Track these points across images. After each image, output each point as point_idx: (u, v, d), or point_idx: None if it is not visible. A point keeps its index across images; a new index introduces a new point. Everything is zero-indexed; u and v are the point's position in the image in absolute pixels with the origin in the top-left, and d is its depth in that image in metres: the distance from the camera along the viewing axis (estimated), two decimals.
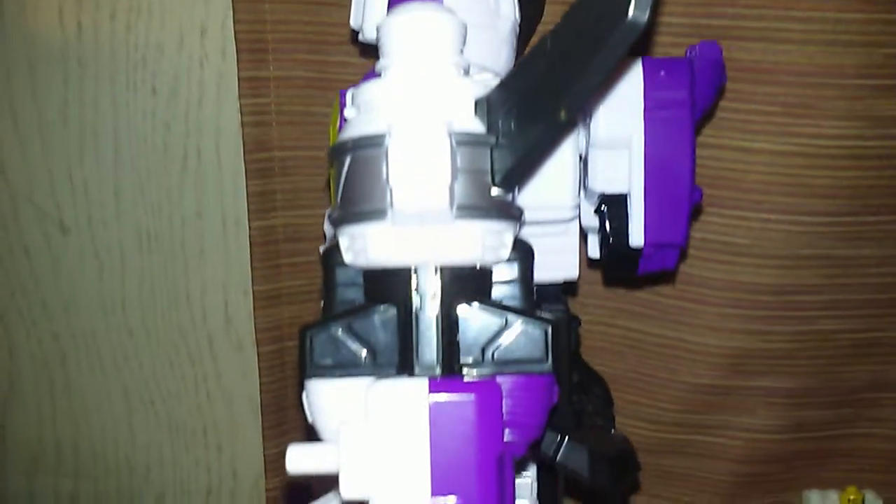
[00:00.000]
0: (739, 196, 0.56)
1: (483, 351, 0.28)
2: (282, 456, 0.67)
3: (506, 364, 0.28)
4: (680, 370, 0.62)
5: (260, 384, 0.66)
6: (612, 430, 0.40)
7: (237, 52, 0.57)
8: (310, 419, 0.30)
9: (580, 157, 0.38)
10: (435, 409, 0.26)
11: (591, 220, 0.39)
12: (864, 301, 0.59)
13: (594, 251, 0.41)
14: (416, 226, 0.27)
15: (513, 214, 0.29)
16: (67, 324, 0.69)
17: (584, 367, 0.42)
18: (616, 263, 0.39)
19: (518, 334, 0.28)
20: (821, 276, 0.58)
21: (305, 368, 0.28)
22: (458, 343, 0.28)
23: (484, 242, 0.28)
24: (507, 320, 0.28)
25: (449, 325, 0.28)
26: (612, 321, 0.62)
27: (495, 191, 0.28)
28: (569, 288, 0.40)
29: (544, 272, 0.33)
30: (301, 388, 0.30)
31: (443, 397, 0.27)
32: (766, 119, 0.55)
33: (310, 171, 0.61)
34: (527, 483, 0.45)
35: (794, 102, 0.54)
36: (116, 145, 0.65)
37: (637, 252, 0.38)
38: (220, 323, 0.69)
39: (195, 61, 0.63)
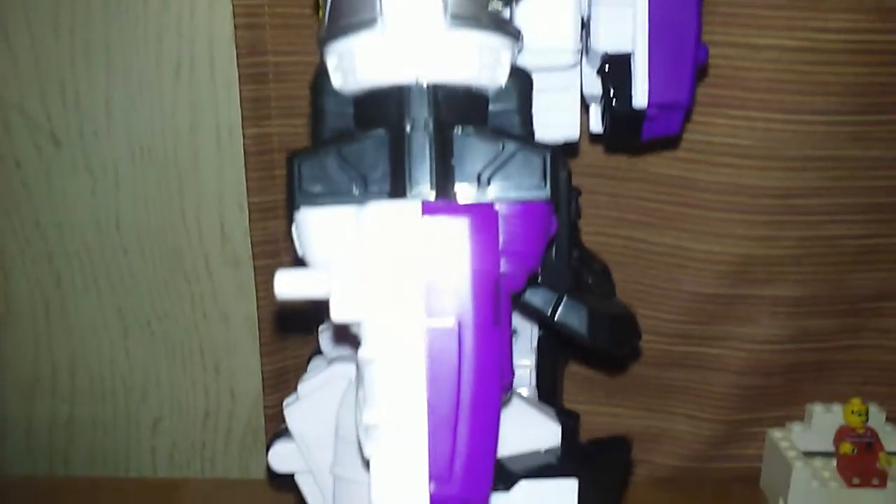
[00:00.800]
0: (745, 96, 0.55)
1: (479, 177, 0.27)
2: (280, 373, 0.67)
3: (502, 190, 0.27)
4: (683, 280, 0.61)
5: (257, 299, 0.65)
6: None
7: None
8: (299, 252, 0.29)
9: (582, 20, 0.37)
10: (429, 231, 0.25)
11: (594, 88, 0.38)
12: (871, 205, 0.58)
13: (596, 124, 0.40)
14: (408, 36, 0.26)
15: (511, 32, 0.28)
16: (61, 243, 0.68)
17: (584, 246, 0.41)
18: (619, 128, 0.37)
19: (515, 160, 0.27)
20: (827, 179, 0.57)
21: (294, 197, 0.27)
22: (452, 168, 0.27)
23: (480, 59, 0.27)
24: (503, 146, 0.27)
25: (443, 147, 0.26)
26: (613, 231, 0.61)
27: (494, 4, 0.27)
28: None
29: (544, 131, 0.32)
30: (290, 220, 0.28)
31: (437, 218, 0.25)
32: (774, 14, 0.53)
33: (305, 78, 0.60)
34: (525, 372, 0.44)
35: None
36: (108, 56, 0.64)
37: (641, 114, 0.36)
38: (216, 239, 0.68)
39: None
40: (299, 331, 0.65)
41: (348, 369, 0.37)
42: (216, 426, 0.73)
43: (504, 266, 0.27)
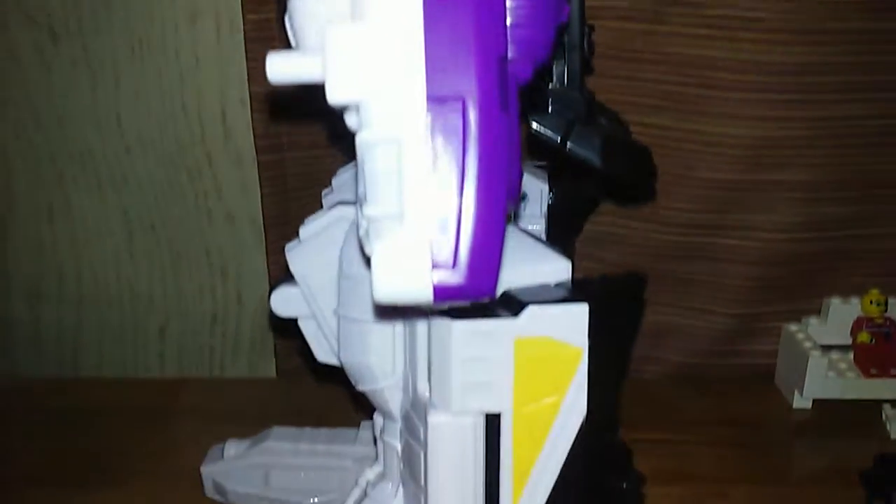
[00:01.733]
0: None
1: None
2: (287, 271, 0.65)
3: None
4: (698, 166, 0.59)
5: (261, 197, 0.64)
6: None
7: None
8: (293, 42, 0.28)
9: None
10: (430, 1, 0.24)
11: None
12: (889, 83, 0.56)
13: None
14: None
15: None
16: (63, 142, 0.67)
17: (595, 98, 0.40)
18: None
19: None
20: (846, 53, 0.55)
21: None
22: None
23: None
24: None
25: None
26: (628, 118, 0.59)
27: None
28: None
29: None
30: (282, 9, 0.27)
31: None
32: None
33: None
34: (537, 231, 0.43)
35: None
36: None
37: None
38: (219, 135, 0.66)
39: None
40: None
41: (349, 211, 0.36)
42: (224, 331, 0.73)
43: (511, 52, 0.26)
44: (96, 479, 0.54)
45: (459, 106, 0.24)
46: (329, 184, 0.47)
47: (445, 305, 0.28)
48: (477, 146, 0.24)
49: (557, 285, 0.33)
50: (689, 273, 0.63)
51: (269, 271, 0.66)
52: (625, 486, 0.33)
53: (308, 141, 0.62)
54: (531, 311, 0.31)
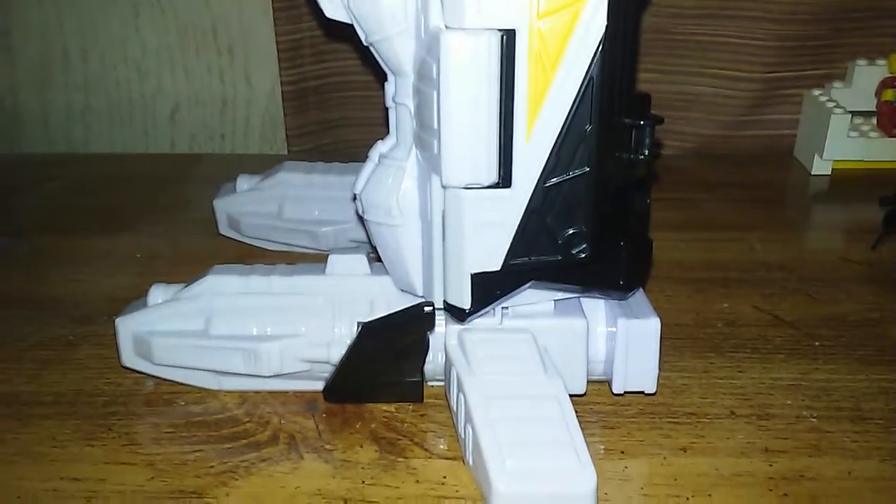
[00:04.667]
0: None
1: None
2: (295, 45, 0.63)
3: None
4: None
5: None
6: None
7: None
8: None
9: None
10: None
11: None
12: None
13: None
14: None
15: None
16: None
17: None
18: None
19: None
20: None
21: None
22: None
23: None
24: None
25: None
26: None
27: None
28: None
29: None
30: None
31: None
32: None
33: None
34: None
35: None
36: None
37: None
38: None
39: None
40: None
41: None
42: (234, 117, 0.72)
43: None
44: (113, 227, 0.54)
45: None
46: None
47: None
48: None
49: None
50: (712, 34, 0.61)
51: (277, 45, 0.65)
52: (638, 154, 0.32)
53: None
54: None
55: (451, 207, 0.31)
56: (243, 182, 0.50)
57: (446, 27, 0.29)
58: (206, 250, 0.50)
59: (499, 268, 0.32)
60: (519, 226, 0.31)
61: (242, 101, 0.71)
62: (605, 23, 0.29)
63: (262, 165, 0.52)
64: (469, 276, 0.32)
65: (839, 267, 0.48)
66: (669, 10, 0.60)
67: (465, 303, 0.33)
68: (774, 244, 0.51)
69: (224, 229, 0.51)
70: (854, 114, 0.60)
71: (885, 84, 0.59)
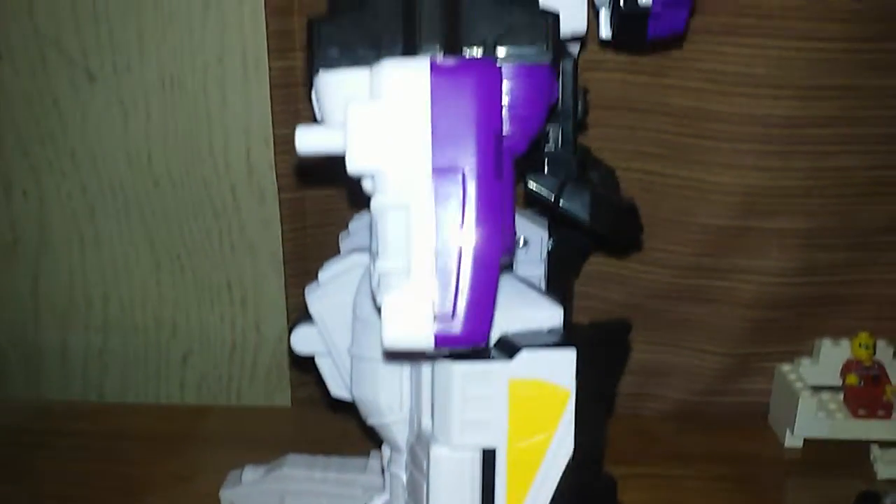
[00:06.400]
0: (759, 23, 0.56)
1: (485, 41, 0.29)
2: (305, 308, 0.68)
3: (507, 54, 0.29)
4: (695, 211, 0.62)
5: (282, 232, 0.68)
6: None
7: None
8: (318, 116, 0.31)
9: None
10: (436, 86, 0.27)
11: None
12: (882, 136, 0.59)
13: (606, 30, 0.42)
14: None
15: None
16: (95, 175, 0.71)
17: (592, 154, 0.43)
18: (626, 28, 0.39)
19: (520, 24, 0.29)
20: (840, 108, 0.58)
21: (314, 61, 0.30)
22: (460, 31, 0.29)
23: None
24: (510, 11, 0.29)
25: (452, 9, 0.28)
26: (628, 164, 0.63)
27: None
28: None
29: None
30: (310, 86, 0.31)
31: (444, 74, 0.27)
32: None
33: None
34: (534, 283, 0.46)
35: None
36: None
37: (646, 12, 0.38)
38: (243, 173, 0.70)
39: None
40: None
41: (364, 258, 0.39)
42: (242, 360, 0.76)
43: (506, 127, 0.29)
44: (118, 502, 0.57)
45: (460, 177, 0.28)
46: (345, 225, 0.50)
47: (446, 351, 0.31)
48: (475, 212, 0.28)
49: (550, 331, 0.36)
50: (686, 313, 0.66)
51: (287, 303, 0.70)
52: None
53: (326, 183, 0.65)
54: (524, 355, 0.34)
55: None
56: (249, 473, 0.54)
57: (436, 439, 0.34)
58: None
59: None
60: None
61: (250, 347, 0.76)
62: (573, 447, 0.33)
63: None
64: None
65: None
66: (648, 291, 0.66)
67: None
68: None
69: None
70: (822, 388, 0.64)
71: (849, 368, 0.64)
